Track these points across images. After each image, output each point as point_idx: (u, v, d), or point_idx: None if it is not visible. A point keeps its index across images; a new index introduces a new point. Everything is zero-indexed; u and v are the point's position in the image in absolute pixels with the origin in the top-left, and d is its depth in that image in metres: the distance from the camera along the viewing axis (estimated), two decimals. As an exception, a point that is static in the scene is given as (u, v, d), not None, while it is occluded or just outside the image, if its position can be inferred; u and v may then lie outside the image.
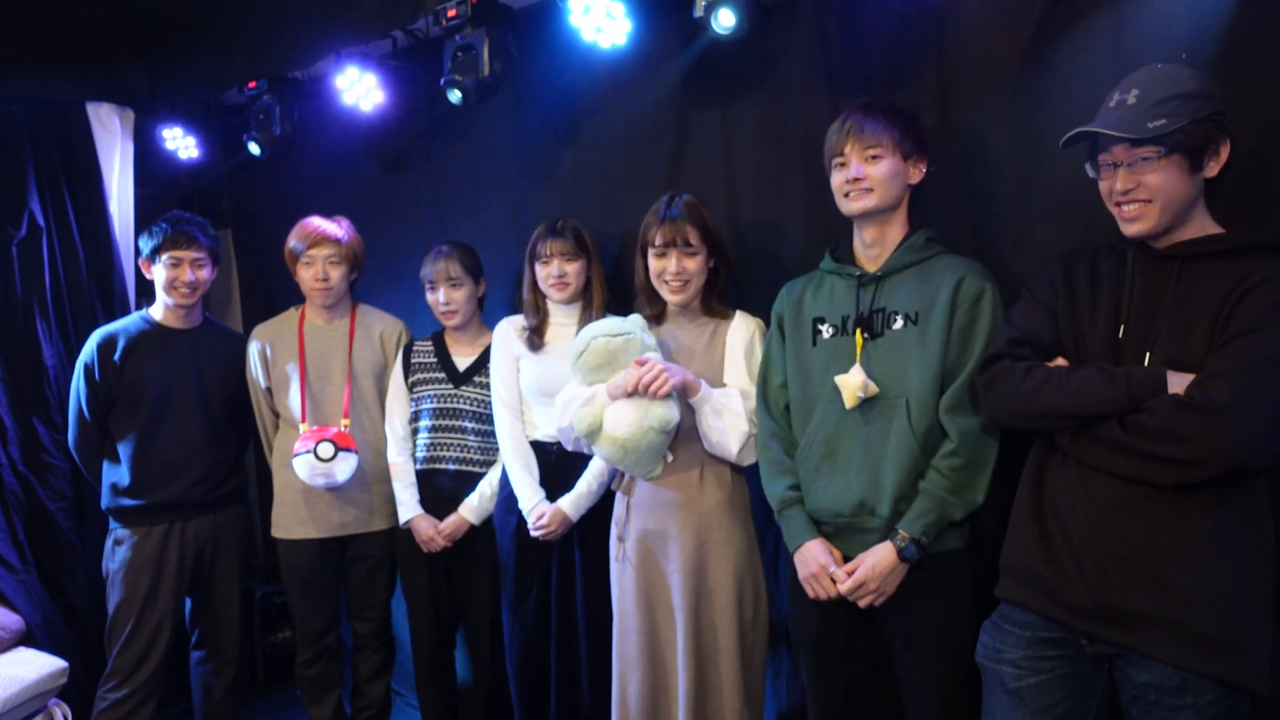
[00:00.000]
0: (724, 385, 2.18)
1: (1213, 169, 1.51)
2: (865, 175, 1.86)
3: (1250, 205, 1.70)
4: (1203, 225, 1.56)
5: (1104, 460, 1.50)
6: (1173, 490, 1.45)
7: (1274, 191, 1.70)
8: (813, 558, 1.90)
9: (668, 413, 2.06)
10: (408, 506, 2.69)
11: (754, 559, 2.20)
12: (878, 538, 1.84)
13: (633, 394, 2.06)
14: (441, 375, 2.71)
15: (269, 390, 2.84)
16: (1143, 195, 1.52)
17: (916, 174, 1.91)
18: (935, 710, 1.86)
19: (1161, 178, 1.50)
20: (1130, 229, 1.56)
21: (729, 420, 2.09)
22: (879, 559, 1.81)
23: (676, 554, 2.16)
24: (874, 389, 1.85)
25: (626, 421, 2.07)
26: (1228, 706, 1.45)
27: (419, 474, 2.71)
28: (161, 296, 2.80)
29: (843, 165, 1.90)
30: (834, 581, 1.87)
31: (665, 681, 2.22)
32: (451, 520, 2.66)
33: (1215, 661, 1.42)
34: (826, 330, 1.95)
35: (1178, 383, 1.45)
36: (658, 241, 2.16)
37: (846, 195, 1.90)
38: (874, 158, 1.86)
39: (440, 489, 2.68)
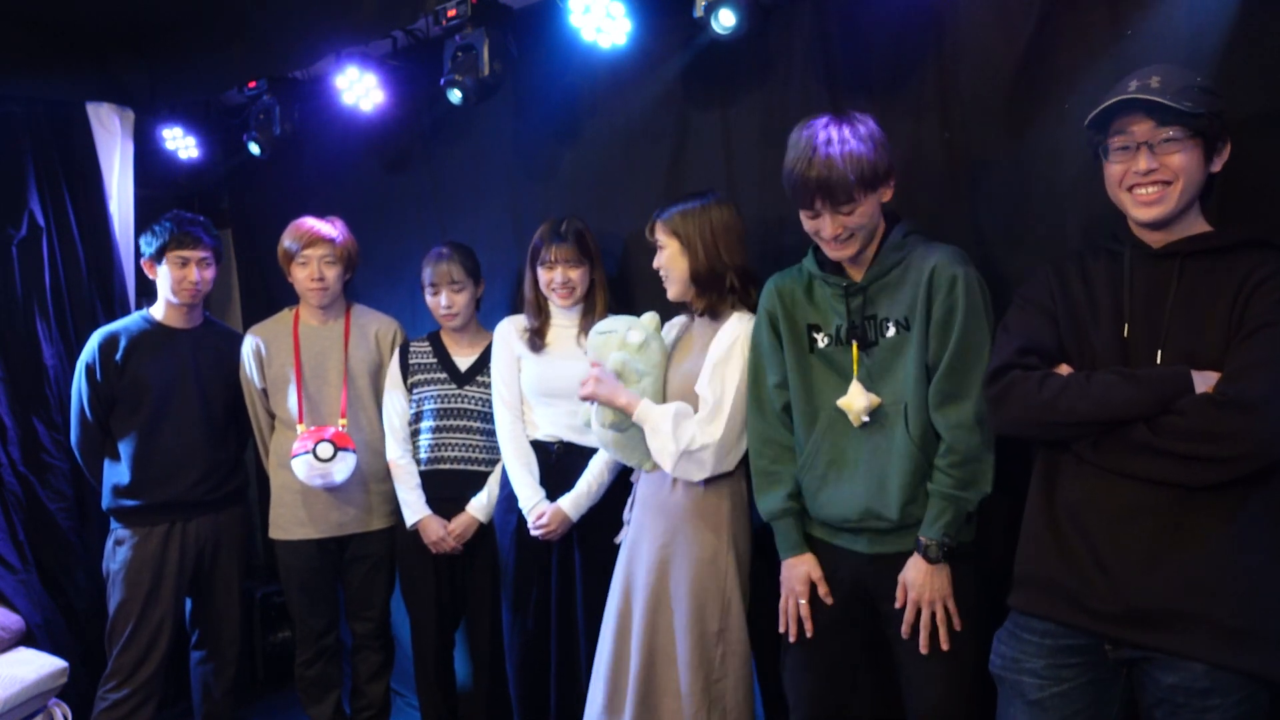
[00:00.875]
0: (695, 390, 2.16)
1: (1217, 164, 1.52)
2: (841, 229, 1.82)
3: (1247, 204, 1.71)
4: (1196, 223, 1.56)
5: (1132, 465, 1.48)
6: (1197, 488, 1.44)
7: (1269, 191, 1.70)
8: (797, 577, 1.97)
9: (601, 412, 2.16)
10: (415, 508, 2.67)
11: (723, 568, 2.11)
12: (888, 537, 1.86)
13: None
14: (443, 375, 2.70)
15: (264, 391, 2.83)
16: (1165, 176, 1.50)
17: (888, 193, 1.86)
18: (932, 707, 1.85)
19: (1185, 160, 1.49)
20: (1146, 213, 1.53)
21: (659, 443, 2.08)
22: (913, 574, 1.81)
23: (645, 551, 2.18)
24: (876, 403, 1.85)
25: (595, 419, 2.20)
26: (1253, 706, 1.44)
27: (422, 474, 2.70)
28: (165, 296, 2.80)
29: (814, 216, 1.84)
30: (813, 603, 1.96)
31: (627, 664, 2.21)
32: (461, 520, 2.65)
33: (1249, 656, 1.41)
34: (822, 339, 1.94)
35: (1203, 381, 1.44)
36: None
37: (826, 242, 1.85)
38: (848, 212, 1.81)
39: (445, 488, 2.68)
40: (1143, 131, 1.51)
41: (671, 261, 2.18)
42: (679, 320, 2.34)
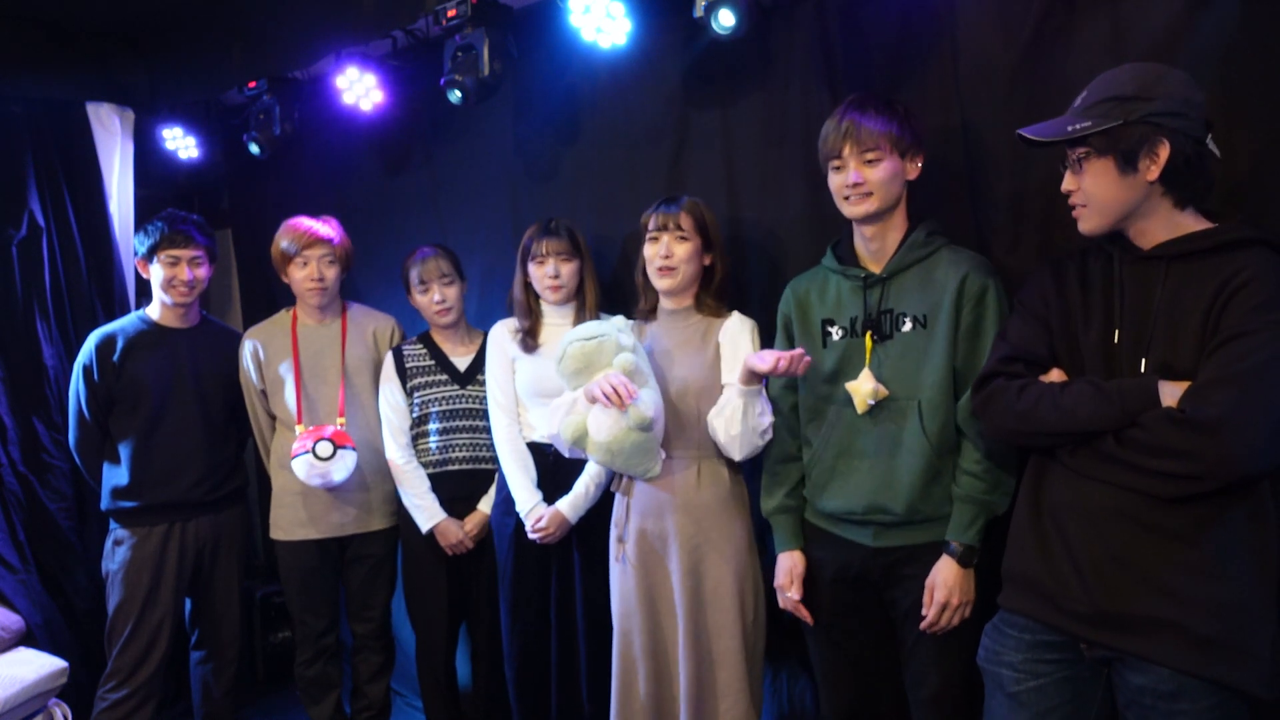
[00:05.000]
0: (722, 384, 2.18)
1: (1151, 171, 1.47)
2: (864, 179, 1.86)
3: (1249, 204, 1.70)
4: (1179, 224, 1.52)
5: (1103, 473, 1.49)
6: (1172, 499, 1.44)
7: (1273, 190, 1.70)
8: (784, 570, 2.06)
9: (643, 410, 2.04)
10: (430, 512, 2.64)
11: (754, 559, 2.20)
12: (893, 530, 1.90)
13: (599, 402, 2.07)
14: (444, 377, 2.70)
15: (264, 392, 2.83)
16: (1078, 199, 1.55)
17: (914, 170, 1.91)
18: (931, 695, 1.90)
19: (1088, 180, 1.52)
20: (1079, 227, 1.58)
21: (752, 420, 2.08)
22: (946, 575, 1.84)
23: (676, 554, 2.16)
24: (884, 393, 1.87)
25: (606, 425, 2.08)
26: (1226, 713, 1.43)
27: (432, 477, 2.68)
28: (159, 295, 2.79)
29: (840, 169, 1.89)
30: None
31: (669, 680, 2.22)
32: (475, 519, 2.66)
33: (1216, 665, 1.41)
34: (836, 332, 1.97)
35: (1170, 394, 1.43)
36: (652, 226, 2.21)
37: (846, 199, 1.89)
38: (872, 161, 1.85)
39: (456, 489, 2.67)
40: (1067, 154, 1.56)
41: (690, 256, 2.19)
42: (630, 323, 2.29)
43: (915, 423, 1.85)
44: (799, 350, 1.89)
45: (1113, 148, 1.47)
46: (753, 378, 2.00)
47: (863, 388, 1.88)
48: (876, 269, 1.93)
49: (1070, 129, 1.48)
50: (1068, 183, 1.56)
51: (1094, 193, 1.52)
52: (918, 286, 1.87)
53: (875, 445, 1.90)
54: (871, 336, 1.90)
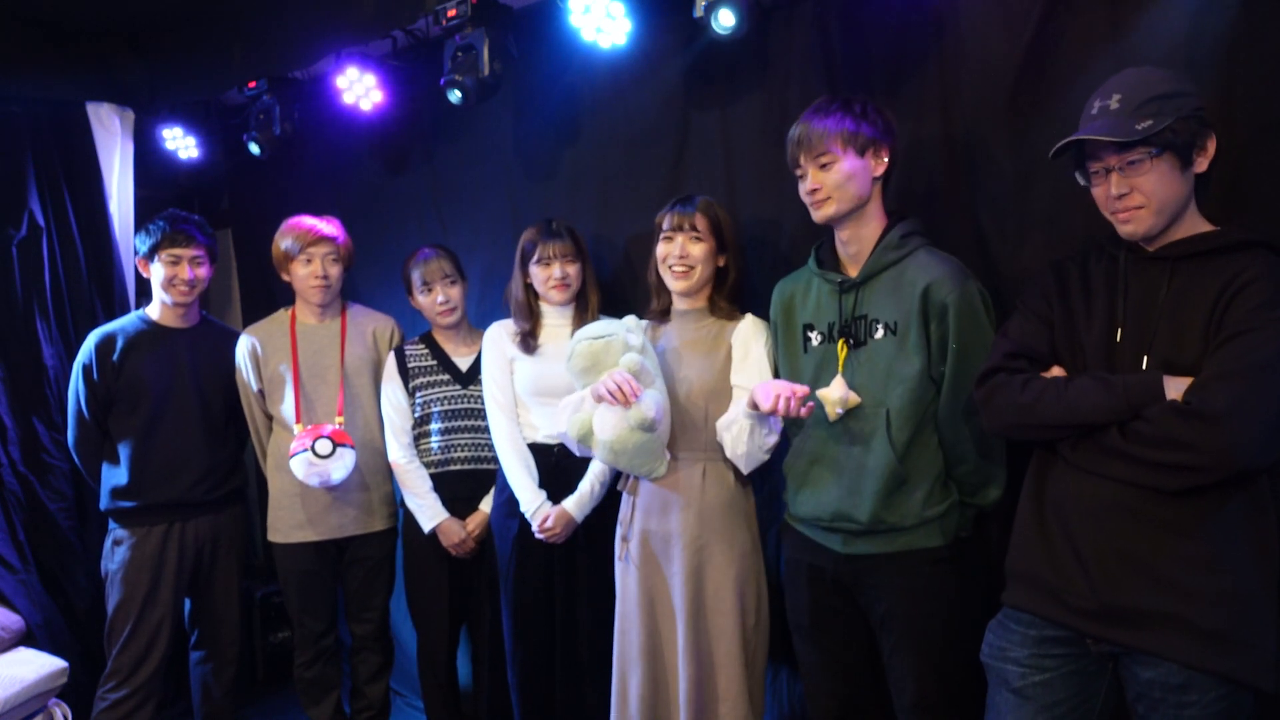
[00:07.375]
0: (731, 386, 2.17)
1: (1201, 164, 1.51)
2: (820, 184, 1.86)
3: (1249, 204, 1.71)
4: (1194, 224, 1.55)
5: (1106, 467, 1.50)
6: (1175, 492, 1.45)
7: (1272, 191, 1.70)
8: None
9: (644, 411, 2.04)
10: (433, 511, 2.64)
11: (757, 562, 2.19)
12: (860, 539, 1.90)
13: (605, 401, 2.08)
14: (446, 377, 2.70)
15: (260, 393, 2.82)
16: (1136, 201, 1.52)
17: (879, 165, 1.88)
18: (912, 702, 1.89)
19: (1154, 179, 1.50)
20: (1126, 230, 1.56)
21: (735, 433, 2.09)
22: None
23: (678, 555, 2.15)
24: (855, 401, 1.87)
25: (610, 424, 2.08)
26: (1233, 704, 1.45)
27: (434, 477, 2.68)
28: (159, 295, 2.79)
29: (801, 177, 1.90)
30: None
31: (666, 682, 2.21)
32: (477, 519, 2.66)
33: (1220, 657, 1.42)
34: (815, 337, 1.98)
35: (1174, 387, 1.44)
36: (666, 226, 2.20)
37: (811, 206, 1.90)
38: (826, 164, 1.85)
39: (459, 489, 2.67)
40: (1110, 158, 1.53)
41: (705, 257, 2.18)
42: (642, 323, 2.30)
43: (883, 432, 1.84)
44: (803, 389, 1.85)
45: (1174, 144, 1.48)
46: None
47: (832, 395, 1.87)
48: (854, 272, 1.93)
49: (1139, 127, 1.47)
50: (1119, 185, 1.53)
51: (1159, 191, 1.51)
52: (890, 292, 1.86)
53: (845, 453, 1.90)
54: (846, 343, 1.90)
